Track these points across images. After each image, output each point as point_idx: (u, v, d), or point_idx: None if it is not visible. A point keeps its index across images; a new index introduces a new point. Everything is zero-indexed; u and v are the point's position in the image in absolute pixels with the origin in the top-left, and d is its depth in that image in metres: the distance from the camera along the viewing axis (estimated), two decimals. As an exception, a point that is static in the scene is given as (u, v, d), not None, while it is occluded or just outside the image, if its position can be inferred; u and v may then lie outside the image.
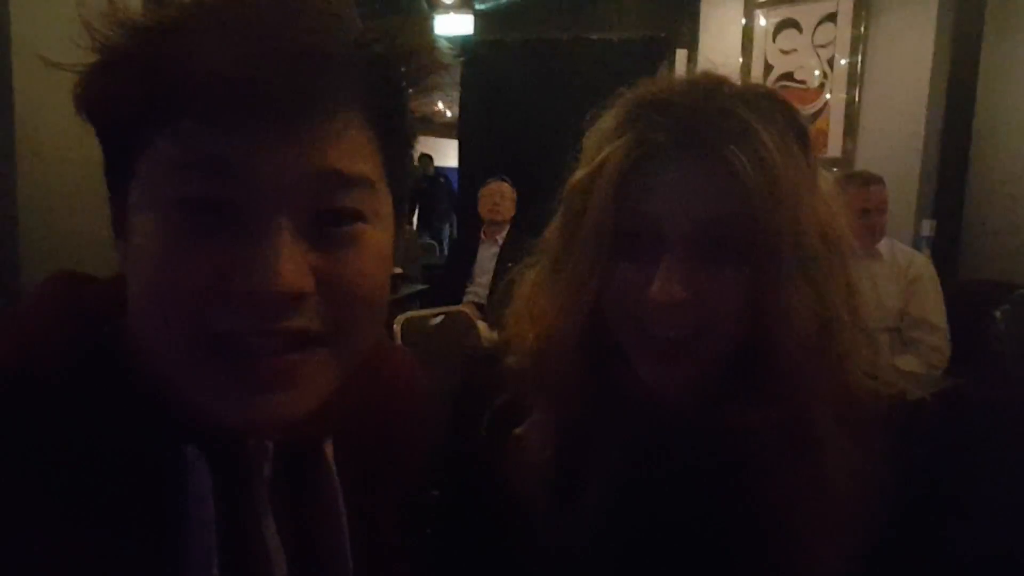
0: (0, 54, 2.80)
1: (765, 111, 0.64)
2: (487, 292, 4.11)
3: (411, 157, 0.56)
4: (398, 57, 0.51)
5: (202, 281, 0.45)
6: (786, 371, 0.62)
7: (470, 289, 4.18)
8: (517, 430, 0.73)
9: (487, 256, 4.28)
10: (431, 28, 0.53)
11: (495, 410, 0.76)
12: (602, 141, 0.67)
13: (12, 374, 0.48)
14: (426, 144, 10.94)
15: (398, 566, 0.65)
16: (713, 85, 0.67)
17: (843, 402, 0.65)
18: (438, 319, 2.64)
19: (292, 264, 0.45)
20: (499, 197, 4.29)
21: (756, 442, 0.64)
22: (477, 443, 0.76)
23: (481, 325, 2.82)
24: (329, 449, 0.59)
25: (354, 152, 0.49)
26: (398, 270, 4.20)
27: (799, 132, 0.66)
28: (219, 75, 0.43)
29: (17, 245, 2.79)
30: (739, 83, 0.68)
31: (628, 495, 0.69)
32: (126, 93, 0.46)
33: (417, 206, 9.87)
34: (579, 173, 0.69)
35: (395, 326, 2.41)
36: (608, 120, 0.69)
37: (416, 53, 0.52)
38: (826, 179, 0.68)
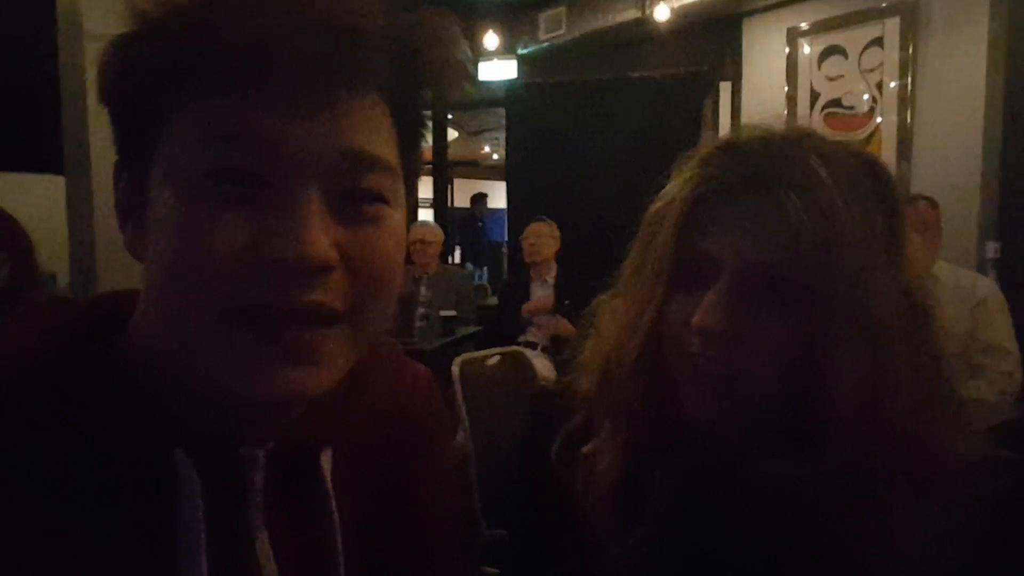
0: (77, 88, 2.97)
1: (844, 167, 0.64)
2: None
3: (421, 149, 0.57)
4: (422, 47, 0.52)
5: (232, 250, 0.45)
6: (831, 429, 0.61)
7: (529, 329, 4.21)
8: (586, 448, 0.74)
9: (540, 296, 4.31)
10: (453, 26, 0.54)
11: (566, 435, 0.77)
12: (681, 177, 0.70)
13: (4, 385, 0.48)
14: (474, 186, 11.09)
15: None
16: (794, 135, 0.67)
17: (912, 468, 0.62)
18: (495, 359, 2.64)
19: (320, 235, 0.46)
20: (535, 238, 4.33)
21: (809, 495, 0.62)
22: (549, 470, 0.76)
23: (537, 364, 2.82)
24: (327, 461, 0.57)
25: (378, 135, 0.49)
26: (452, 312, 4.23)
27: (886, 197, 0.65)
28: (257, 47, 0.44)
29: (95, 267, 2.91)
30: (823, 138, 0.68)
31: (687, 525, 0.69)
32: (161, 62, 0.46)
33: (458, 246, 9.97)
34: (653, 206, 0.72)
35: (453, 368, 2.42)
36: (690, 160, 0.71)
37: (438, 46, 0.52)
38: (920, 246, 0.67)
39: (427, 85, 0.53)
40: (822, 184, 0.62)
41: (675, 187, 0.70)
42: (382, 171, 0.50)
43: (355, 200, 0.49)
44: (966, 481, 0.63)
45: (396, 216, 0.51)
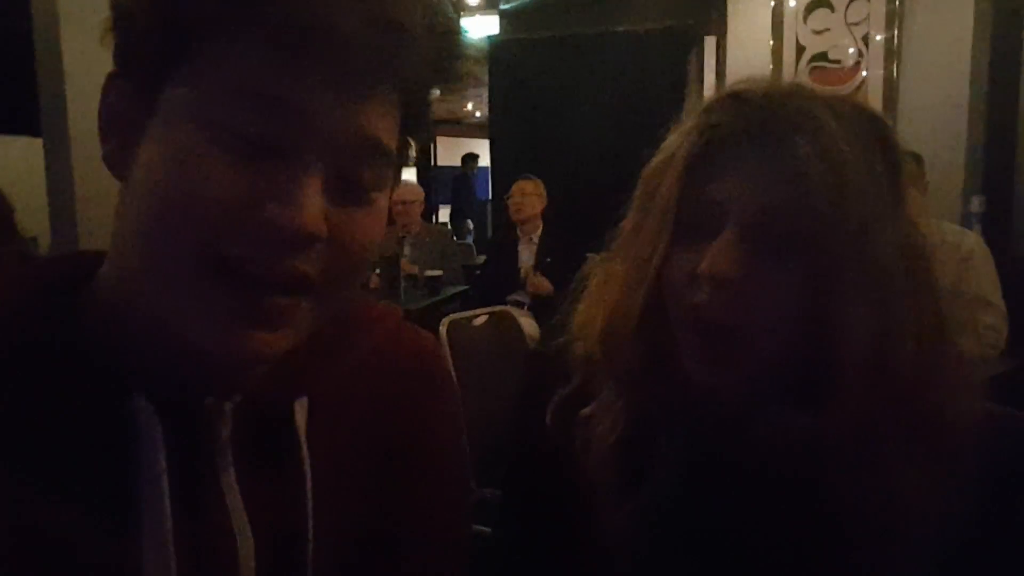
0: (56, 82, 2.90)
1: (847, 118, 0.63)
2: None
3: (412, 146, 0.59)
4: (446, 55, 0.53)
5: (230, 201, 0.46)
6: (839, 380, 0.60)
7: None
8: (585, 410, 0.74)
9: (526, 255, 4.29)
10: (465, 35, 0.56)
11: (562, 399, 0.76)
12: (680, 130, 0.69)
13: None
14: (458, 144, 10.98)
15: (375, 546, 0.61)
16: (794, 87, 0.67)
17: (918, 422, 0.62)
18: (481, 319, 2.64)
19: (317, 208, 0.47)
20: (520, 196, 4.30)
21: (815, 450, 0.62)
22: (544, 433, 0.76)
23: (524, 323, 2.82)
24: (301, 412, 0.57)
25: (389, 127, 0.51)
26: (438, 272, 4.22)
27: (887, 149, 0.64)
28: (308, 17, 0.45)
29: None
30: (824, 92, 0.67)
31: (690, 487, 0.68)
32: (213, 3, 0.46)
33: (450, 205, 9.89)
34: (653, 161, 0.71)
35: (440, 328, 2.42)
36: (690, 114, 0.70)
37: (459, 58, 0.54)
38: (923, 207, 0.67)
39: (439, 87, 0.55)
40: (831, 133, 0.61)
41: (677, 139, 0.68)
42: (383, 159, 0.51)
43: (352, 182, 0.50)
44: (969, 437, 0.62)
45: (382, 199, 0.53)
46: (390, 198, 0.55)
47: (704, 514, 0.68)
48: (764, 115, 0.64)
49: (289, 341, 0.50)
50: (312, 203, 0.47)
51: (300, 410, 0.57)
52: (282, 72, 0.46)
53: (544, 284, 3.97)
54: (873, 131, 0.64)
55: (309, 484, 0.56)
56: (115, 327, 0.52)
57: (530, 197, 4.30)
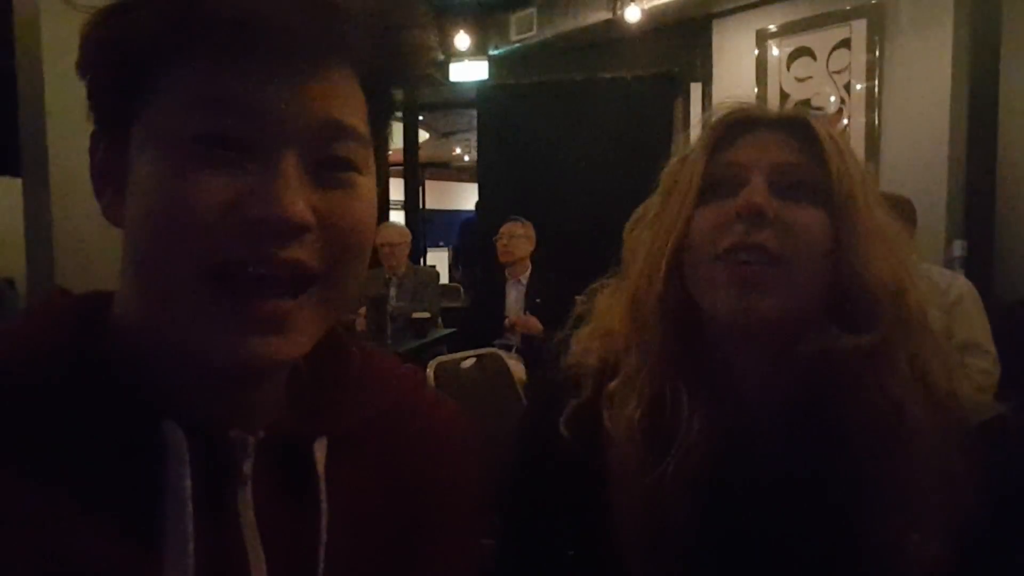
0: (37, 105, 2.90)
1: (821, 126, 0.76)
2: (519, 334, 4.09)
3: (390, 123, 0.60)
4: (396, 27, 0.54)
5: (213, 208, 0.47)
6: (865, 317, 0.68)
7: (505, 333, 4.16)
8: (611, 384, 0.77)
9: (513, 296, 4.28)
10: (426, 13, 0.57)
11: (576, 407, 0.78)
12: (694, 136, 0.79)
13: (4, 373, 0.51)
14: (447, 188, 11.05)
15: None
16: (782, 107, 0.82)
17: (916, 381, 0.69)
18: (470, 362, 2.62)
19: (297, 195, 0.48)
20: (508, 238, 4.30)
21: (838, 411, 0.68)
22: (558, 443, 0.78)
23: (512, 365, 2.80)
24: (321, 451, 0.58)
25: (351, 106, 0.52)
26: (425, 314, 4.20)
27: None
28: (242, 16, 0.46)
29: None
30: None
31: (711, 463, 0.71)
32: (148, 31, 0.48)
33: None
34: (672, 160, 0.79)
35: (428, 371, 2.40)
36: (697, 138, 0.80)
37: (410, 28, 0.55)
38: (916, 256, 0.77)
39: (397, 64, 0.56)
40: (829, 127, 0.74)
41: (693, 141, 0.77)
42: (355, 141, 0.52)
43: (329, 167, 0.51)
44: (979, 436, 0.69)
45: (367, 183, 0.54)
46: (375, 182, 0.56)
47: (723, 491, 0.71)
48: (773, 109, 0.77)
49: (298, 346, 0.51)
50: (290, 192, 0.48)
51: (320, 449, 0.58)
52: (231, 74, 0.47)
53: (534, 324, 3.96)
54: (843, 136, 0.78)
55: (324, 521, 0.57)
56: (138, 358, 0.53)
57: (519, 239, 4.30)
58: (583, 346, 0.80)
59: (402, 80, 0.57)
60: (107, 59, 0.50)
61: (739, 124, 0.76)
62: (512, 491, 0.84)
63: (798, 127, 0.74)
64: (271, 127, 0.48)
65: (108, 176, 0.53)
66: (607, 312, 0.79)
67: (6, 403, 0.49)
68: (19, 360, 0.51)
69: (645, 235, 0.78)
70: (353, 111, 0.52)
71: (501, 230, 4.37)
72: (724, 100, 0.80)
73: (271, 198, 0.47)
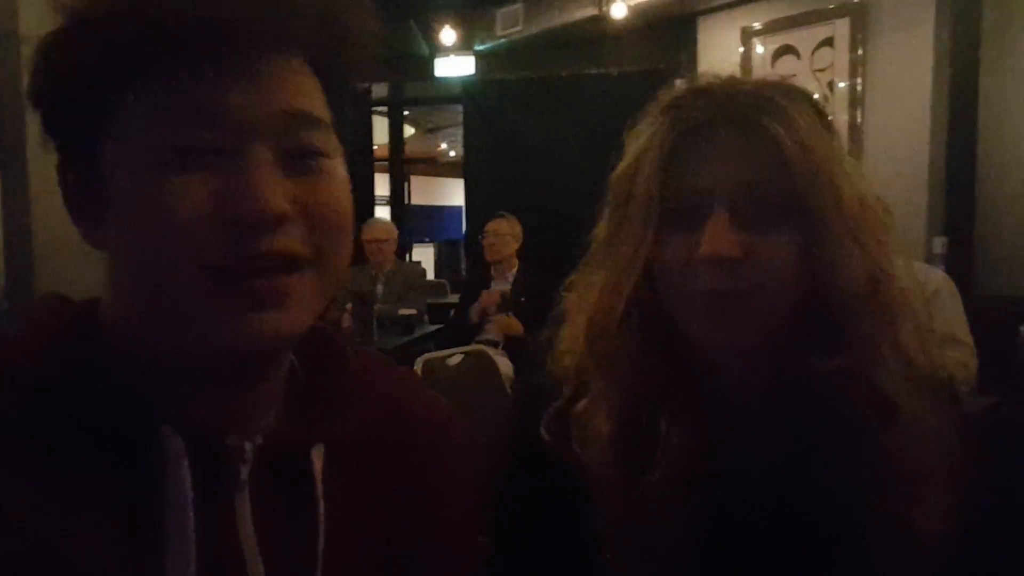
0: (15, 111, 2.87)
1: (790, 94, 0.71)
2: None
3: (351, 108, 0.60)
4: (337, 13, 0.55)
5: (194, 214, 0.48)
6: (842, 323, 0.66)
7: (487, 327, 4.15)
8: (578, 407, 0.76)
9: (485, 295, 4.27)
10: None
11: (555, 411, 0.78)
12: (643, 132, 0.73)
13: (4, 378, 0.52)
14: (432, 184, 11.03)
15: None
16: (743, 77, 0.75)
17: (903, 364, 0.69)
18: (457, 358, 2.63)
19: (271, 188, 0.49)
20: (494, 236, 4.30)
21: (827, 407, 0.67)
22: (541, 446, 0.77)
23: (500, 362, 2.81)
24: (318, 457, 0.59)
25: (309, 95, 0.53)
26: (412, 311, 4.20)
27: (820, 114, 0.73)
28: (182, 21, 0.47)
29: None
30: (766, 78, 0.76)
31: (699, 470, 0.70)
32: (95, 54, 0.48)
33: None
34: (622, 164, 0.74)
35: (415, 367, 2.40)
36: (648, 115, 0.74)
37: (351, 12, 0.55)
38: (851, 160, 0.74)
39: (343, 48, 0.56)
40: (787, 109, 0.68)
41: (643, 141, 0.72)
42: (317, 127, 0.53)
43: (298, 156, 0.52)
44: (972, 428, 0.69)
45: (335, 165, 0.55)
46: (344, 162, 0.57)
47: (711, 497, 0.70)
48: (728, 104, 0.70)
49: (298, 318, 0.52)
50: (264, 187, 0.49)
51: (317, 455, 0.59)
52: (184, 80, 0.48)
53: (512, 324, 3.96)
54: (803, 96, 0.73)
55: (322, 526, 0.57)
56: (134, 365, 0.54)
57: (504, 237, 4.30)
58: (563, 347, 0.79)
59: (351, 62, 0.57)
60: (63, 88, 0.51)
61: (693, 133, 0.70)
62: (501, 498, 0.84)
63: (758, 129, 0.68)
64: (233, 126, 0.49)
65: (84, 202, 0.53)
66: (585, 299, 0.76)
67: (9, 409, 0.50)
68: (21, 367, 0.52)
69: (594, 274, 0.75)
70: (310, 98, 0.53)
71: (486, 228, 4.37)
72: (677, 88, 0.75)
73: (246, 195, 0.48)
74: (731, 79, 0.73)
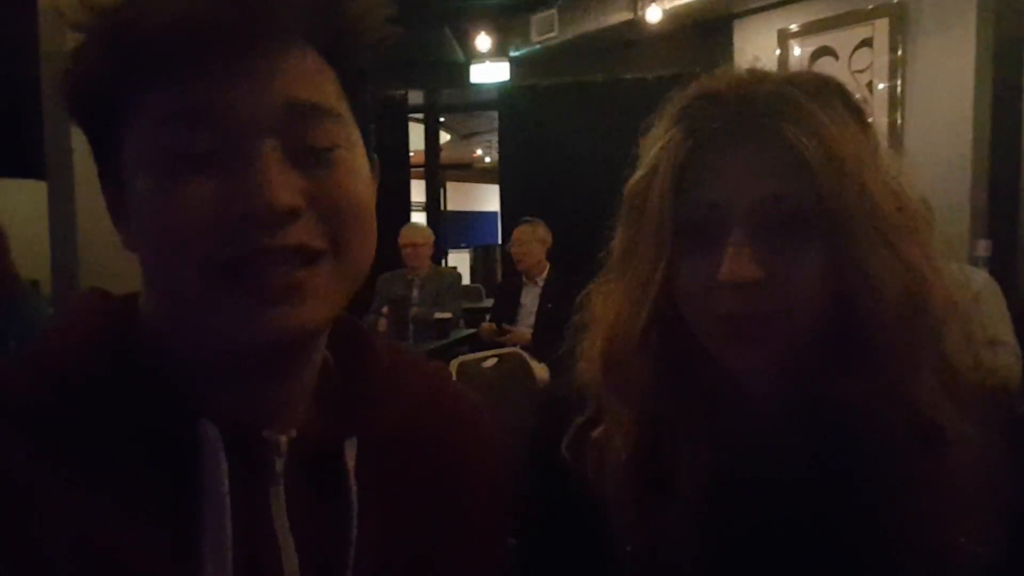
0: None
1: (816, 91, 0.65)
2: (531, 333, 4.12)
3: (371, 93, 0.59)
4: None
5: (205, 213, 0.48)
6: (878, 341, 0.62)
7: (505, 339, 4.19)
8: (595, 432, 0.73)
9: (529, 299, 4.30)
10: None
11: (577, 428, 0.75)
12: (656, 140, 0.69)
13: (48, 372, 0.53)
14: (467, 189, 11.08)
15: None
16: (761, 74, 0.69)
17: (948, 378, 0.64)
18: (491, 361, 2.65)
19: (280, 182, 0.48)
20: (519, 245, 4.31)
21: (861, 427, 0.63)
22: (561, 465, 0.75)
23: (534, 365, 2.82)
24: (351, 451, 0.59)
25: (316, 84, 0.52)
26: (447, 315, 4.23)
27: (854, 109, 0.67)
28: (178, 23, 0.47)
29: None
30: (786, 72, 0.70)
31: (722, 493, 0.67)
32: (105, 66, 0.49)
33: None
34: (636, 175, 0.70)
35: (450, 369, 2.43)
36: (661, 121, 0.70)
37: None
38: (891, 154, 0.69)
39: (349, 28, 0.54)
40: (812, 111, 0.63)
41: (655, 153, 0.68)
42: (328, 118, 0.52)
43: (311, 149, 0.51)
44: (998, 416, 0.64)
45: (351, 156, 0.54)
46: (365, 154, 0.56)
47: (735, 521, 0.67)
48: (742, 109, 0.65)
49: (319, 310, 0.52)
50: (273, 182, 0.48)
51: (350, 449, 0.59)
52: (187, 82, 0.48)
53: (521, 335, 4.01)
54: (833, 91, 0.67)
55: (355, 519, 0.58)
56: (170, 359, 0.55)
57: (528, 244, 4.30)
58: (583, 364, 0.75)
59: (363, 48, 0.55)
60: (83, 103, 0.52)
61: (707, 143, 0.65)
62: (523, 511, 0.82)
63: (776, 135, 0.63)
64: (238, 123, 0.49)
65: (117, 207, 0.54)
66: (603, 315, 0.73)
67: (51, 403, 0.51)
68: (61, 360, 0.53)
69: (613, 286, 0.72)
70: (318, 87, 0.52)
71: (512, 236, 4.37)
72: (690, 90, 0.70)
73: (254, 192, 0.48)
74: (747, 80, 0.67)
